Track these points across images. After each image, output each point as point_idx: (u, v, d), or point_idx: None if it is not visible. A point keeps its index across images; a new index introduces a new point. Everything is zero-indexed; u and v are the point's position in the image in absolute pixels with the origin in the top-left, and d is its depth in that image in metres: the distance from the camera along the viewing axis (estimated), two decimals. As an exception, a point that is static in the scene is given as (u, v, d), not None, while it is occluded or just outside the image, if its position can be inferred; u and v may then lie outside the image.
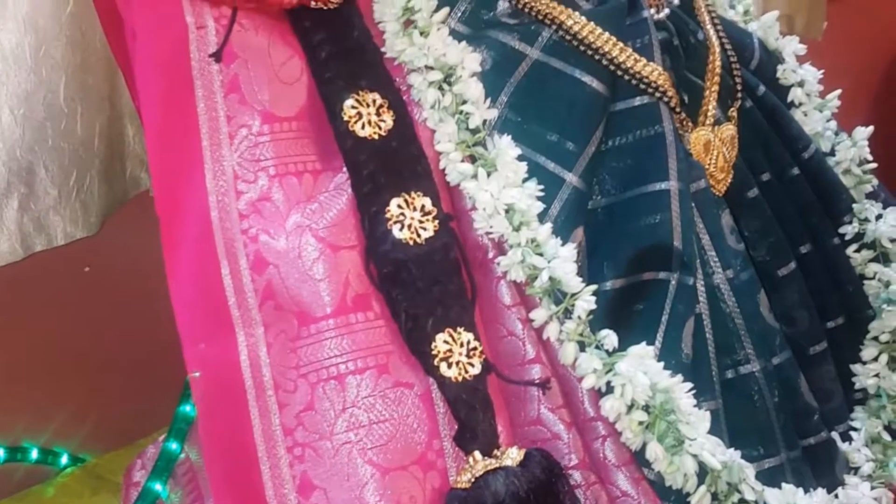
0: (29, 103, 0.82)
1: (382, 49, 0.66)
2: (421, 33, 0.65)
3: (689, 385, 0.61)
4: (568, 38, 0.67)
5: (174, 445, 0.83)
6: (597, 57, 0.66)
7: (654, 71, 0.67)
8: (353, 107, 0.64)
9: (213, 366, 0.61)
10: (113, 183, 0.91)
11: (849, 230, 0.76)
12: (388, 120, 0.64)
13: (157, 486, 0.82)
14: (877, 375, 0.74)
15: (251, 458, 0.60)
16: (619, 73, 0.66)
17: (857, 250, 0.76)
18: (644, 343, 0.62)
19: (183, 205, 0.63)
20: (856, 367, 0.74)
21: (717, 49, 0.71)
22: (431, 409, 0.60)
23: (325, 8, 0.66)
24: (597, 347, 0.61)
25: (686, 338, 0.63)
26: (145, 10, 0.63)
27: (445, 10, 0.67)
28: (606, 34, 0.66)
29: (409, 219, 0.62)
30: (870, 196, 0.78)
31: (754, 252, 0.72)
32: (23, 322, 1.07)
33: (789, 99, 0.78)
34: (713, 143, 0.69)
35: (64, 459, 1.11)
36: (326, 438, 0.59)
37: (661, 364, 0.61)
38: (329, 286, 0.61)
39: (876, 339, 0.75)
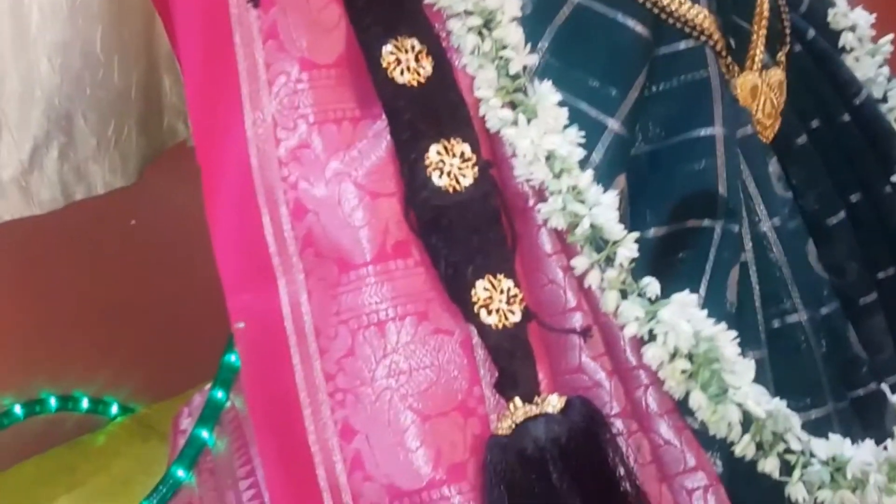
0: (66, 53, 0.83)
1: None
2: None
3: (734, 333, 0.60)
4: None
5: (220, 394, 0.84)
6: (640, 0, 0.65)
7: (699, 14, 0.65)
8: (392, 52, 0.63)
9: (255, 314, 0.62)
10: (150, 133, 0.91)
11: (899, 178, 0.74)
12: (428, 66, 0.63)
13: (204, 434, 0.83)
14: (927, 327, 0.72)
15: (293, 404, 0.60)
16: (664, 16, 0.65)
17: (911, 197, 0.74)
18: (687, 291, 0.61)
19: (223, 153, 0.63)
20: (911, 319, 0.73)
21: (766, -8, 0.70)
22: (471, 357, 0.60)
23: (361, -48, 0.65)
24: (639, 295, 0.60)
25: (731, 286, 0.62)
26: (183, -43, 0.63)
27: None
28: None
29: (449, 166, 0.61)
30: None
31: (802, 201, 0.71)
32: (73, 274, 1.09)
33: (840, 44, 0.76)
34: (760, 89, 0.68)
35: (114, 409, 1.13)
36: (367, 384, 0.59)
37: (705, 312, 0.60)
38: (369, 233, 0.61)
39: (927, 290, 0.73)
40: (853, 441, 0.65)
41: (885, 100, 0.76)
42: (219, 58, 0.63)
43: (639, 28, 0.64)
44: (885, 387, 0.71)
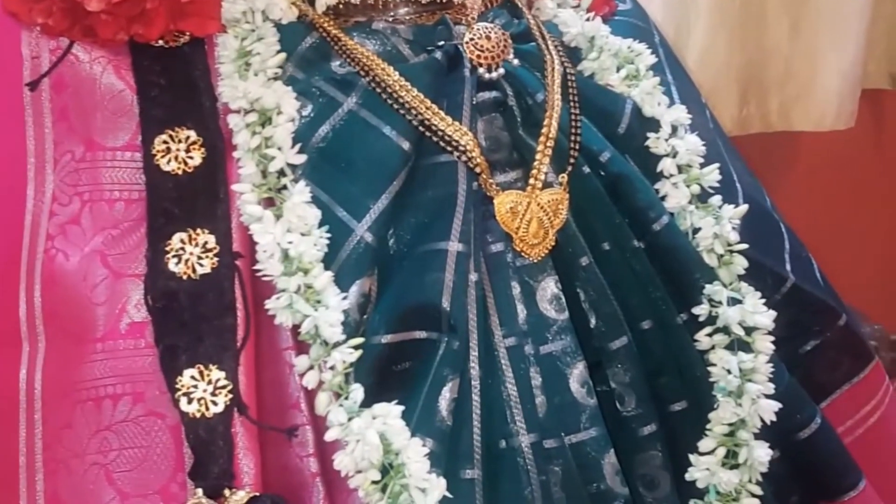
0: None
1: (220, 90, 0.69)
2: (242, 77, 0.67)
3: (426, 450, 0.59)
4: (379, 90, 0.67)
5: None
6: (402, 112, 0.66)
7: (457, 131, 0.66)
8: (165, 142, 0.66)
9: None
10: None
11: (699, 311, 0.71)
12: (197, 157, 0.66)
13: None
14: (707, 469, 0.69)
15: (14, 470, 0.63)
16: (423, 130, 0.66)
17: (711, 334, 0.71)
18: (396, 402, 0.61)
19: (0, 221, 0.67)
20: (692, 458, 0.70)
21: (557, 111, 0.69)
22: (179, 442, 0.62)
23: (166, 47, 0.69)
24: (346, 400, 0.61)
25: (444, 402, 0.62)
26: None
27: (282, 55, 0.69)
28: (415, 91, 0.66)
29: (188, 254, 0.64)
30: (743, 278, 0.73)
31: (588, 322, 0.70)
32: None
33: (658, 169, 0.74)
34: (526, 208, 0.67)
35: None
36: (79, 457, 0.62)
37: (404, 425, 0.60)
38: (105, 311, 0.63)
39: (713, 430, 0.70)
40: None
41: (699, 229, 0.73)
42: (9, 135, 0.67)
43: (400, 140, 0.66)
44: None
